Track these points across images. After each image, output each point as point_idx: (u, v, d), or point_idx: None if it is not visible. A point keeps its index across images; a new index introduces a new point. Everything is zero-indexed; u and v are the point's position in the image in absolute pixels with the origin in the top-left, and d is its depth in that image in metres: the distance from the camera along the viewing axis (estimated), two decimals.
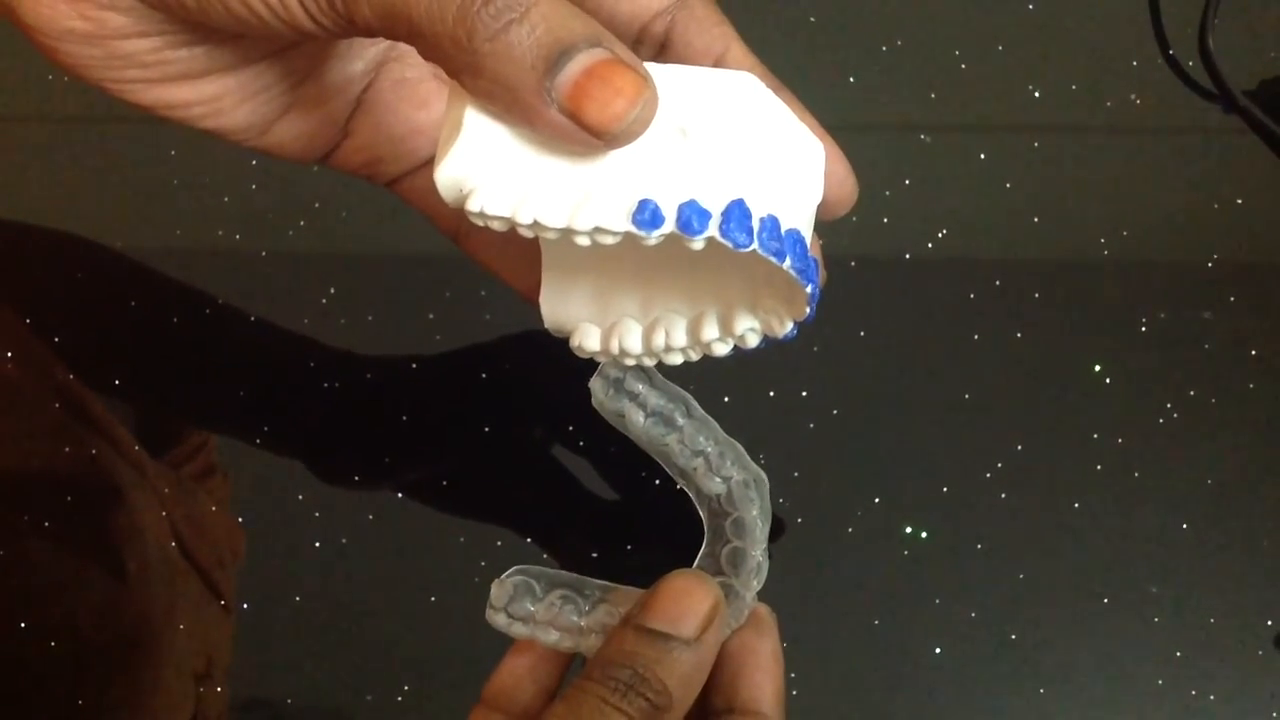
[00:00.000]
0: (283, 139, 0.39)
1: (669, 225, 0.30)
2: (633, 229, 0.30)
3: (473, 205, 0.31)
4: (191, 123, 0.37)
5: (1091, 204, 0.55)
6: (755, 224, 0.30)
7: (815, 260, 0.33)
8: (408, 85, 0.41)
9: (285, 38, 0.33)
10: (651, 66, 0.31)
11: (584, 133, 0.29)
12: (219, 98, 0.37)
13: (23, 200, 0.57)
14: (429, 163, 0.40)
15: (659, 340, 0.36)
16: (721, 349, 0.36)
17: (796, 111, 0.34)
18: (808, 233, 0.33)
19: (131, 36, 0.34)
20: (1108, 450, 0.51)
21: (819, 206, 0.34)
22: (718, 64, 0.35)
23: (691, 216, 0.30)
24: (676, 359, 0.37)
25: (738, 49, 0.36)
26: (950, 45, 0.57)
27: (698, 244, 0.30)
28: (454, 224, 0.41)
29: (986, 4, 0.58)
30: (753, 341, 0.35)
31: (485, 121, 0.31)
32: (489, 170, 0.31)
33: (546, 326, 0.38)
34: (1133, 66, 0.57)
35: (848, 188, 0.36)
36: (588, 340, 0.37)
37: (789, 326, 0.34)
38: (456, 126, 0.31)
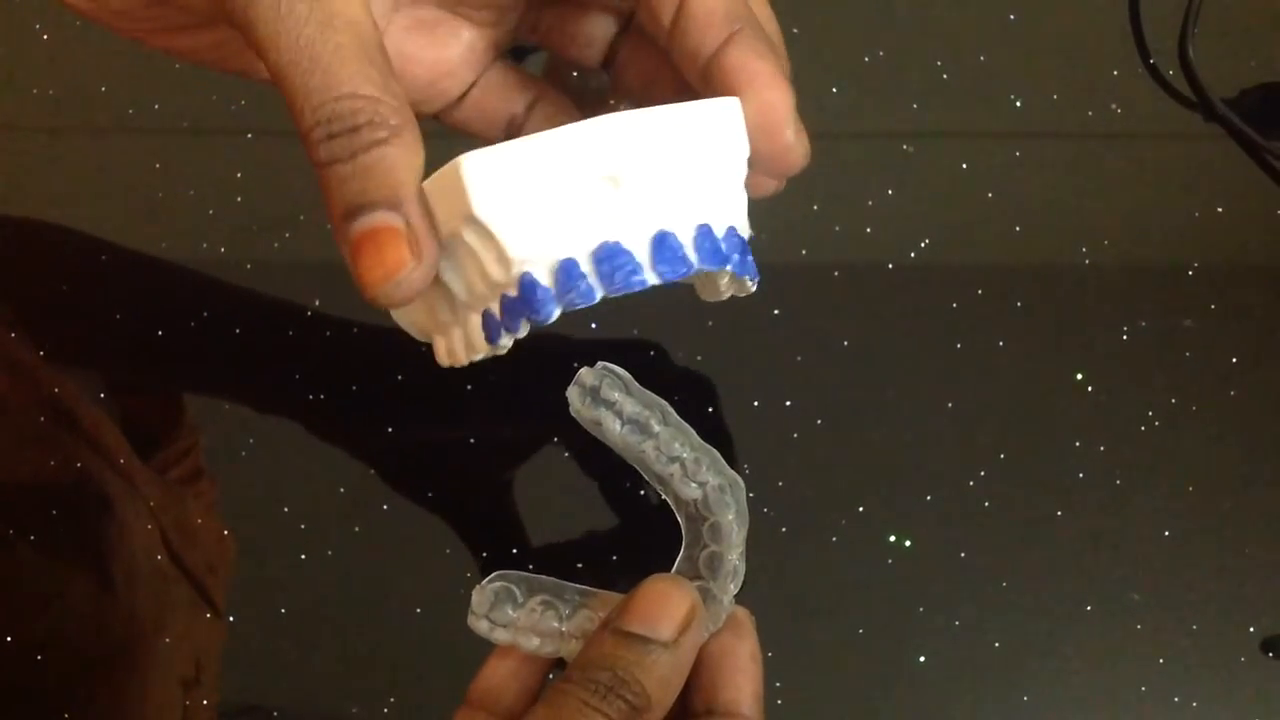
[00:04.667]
0: None
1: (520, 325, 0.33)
2: (489, 348, 0.34)
3: (437, 358, 0.36)
4: (209, 66, 0.39)
5: (1073, 212, 0.56)
6: (590, 273, 0.31)
7: (704, 235, 0.33)
8: (425, 27, 0.40)
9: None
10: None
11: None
12: (222, 45, 0.38)
13: (7, 211, 0.57)
14: (463, 97, 0.42)
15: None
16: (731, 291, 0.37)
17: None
18: (680, 220, 0.33)
19: None
20: (1090, 458, 0.52)
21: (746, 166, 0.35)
22: None
23: (532, 302, 0.32)
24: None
25: None
26: (932, 54, 0.57)
27: (554, 319, 0.32)
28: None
29: (968, 13, 0.59)
30: (734, 292, 0.37)
31: None
32: (421, 325, 0.36)
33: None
34: (1113, 75, 0.57)
35: (782, 141, 0.35)
36: None
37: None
38: None
